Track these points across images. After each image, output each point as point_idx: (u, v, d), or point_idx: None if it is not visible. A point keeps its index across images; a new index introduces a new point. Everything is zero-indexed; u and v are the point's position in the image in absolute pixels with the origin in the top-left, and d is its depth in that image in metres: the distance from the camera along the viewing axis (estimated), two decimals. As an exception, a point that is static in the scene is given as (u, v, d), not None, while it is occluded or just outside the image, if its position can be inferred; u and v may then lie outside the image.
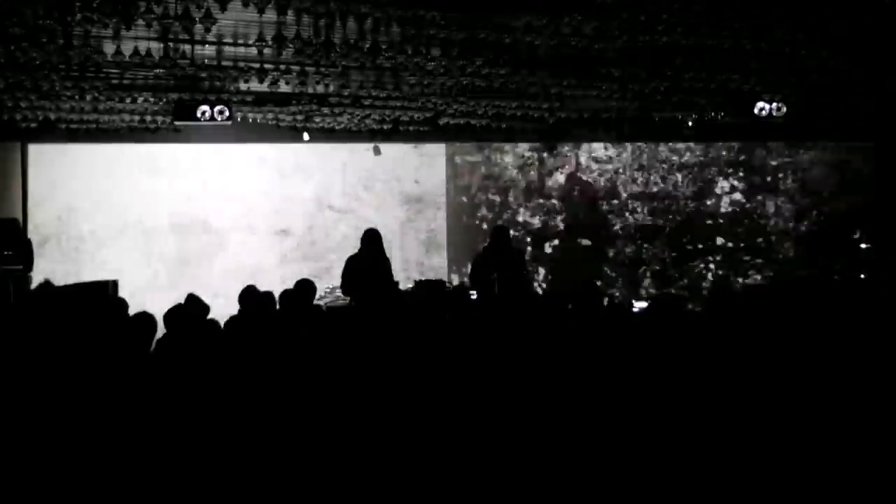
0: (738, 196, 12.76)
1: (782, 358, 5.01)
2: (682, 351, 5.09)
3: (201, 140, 11.65)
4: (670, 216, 12.72)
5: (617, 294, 12.19)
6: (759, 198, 12.70)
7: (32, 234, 11.49)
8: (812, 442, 4.29)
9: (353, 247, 8.79)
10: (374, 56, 8.13)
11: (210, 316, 6.01)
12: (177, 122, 9.72)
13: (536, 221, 12.70)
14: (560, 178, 12.75)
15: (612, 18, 7.22)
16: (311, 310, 6.54)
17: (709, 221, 12.69)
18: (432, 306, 6.49)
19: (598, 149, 12.69)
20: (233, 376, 4.73)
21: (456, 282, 10.81)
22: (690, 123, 11.17)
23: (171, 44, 7.78)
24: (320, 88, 9.49)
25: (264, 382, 4.68)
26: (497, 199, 12.78)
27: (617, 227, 12.67)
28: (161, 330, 5.39)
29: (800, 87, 9.37)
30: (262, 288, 6.44)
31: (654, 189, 12.74)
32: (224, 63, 8.51)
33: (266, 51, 7.96)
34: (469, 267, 8.91)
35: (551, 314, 5.99)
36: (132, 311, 5.71)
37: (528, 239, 12.59)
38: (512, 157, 12.84)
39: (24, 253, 10.13)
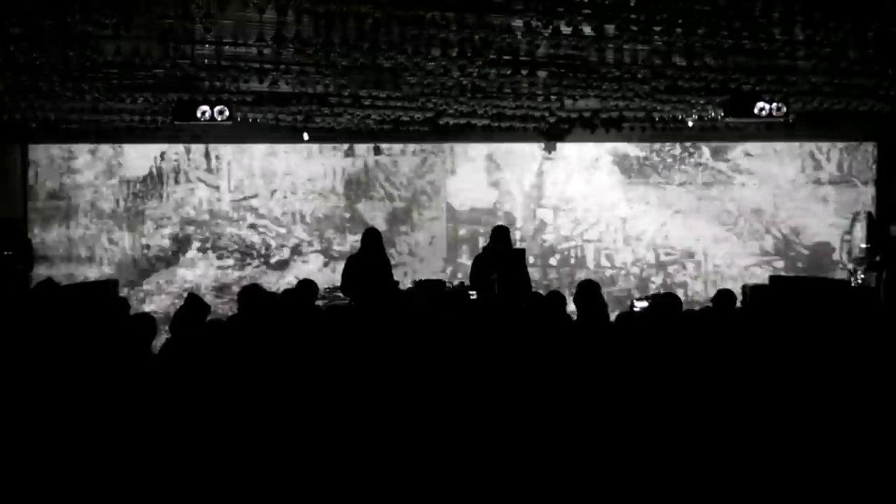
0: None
1: (782, 358, 5.01)
2: (682, 350, 5.09)
3: (201, 140, 11.66)
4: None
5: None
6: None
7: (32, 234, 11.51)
8: (813, 442, 4.29)
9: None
10: (374, 56, 8.13)
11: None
12: (177, 122, 9.72)
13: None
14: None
15: (611, 19, 7.22)
16: (312, 310, 6.55)
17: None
18: (432, 306, 6.50)
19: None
20: (232, 376, 4.73)
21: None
22: (691, 123, 11.17)
23: (171, 44, 7.78)
24: (320, 88, 9.49)
25: (264, 382, 4.68)
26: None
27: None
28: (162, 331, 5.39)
29: (800, 87, 9.37)
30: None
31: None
32: (224, 63, 8.51)
33: (266, 51, 7.96)
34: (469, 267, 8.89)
35: (551, 314, 5.98)
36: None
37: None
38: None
39: (24, 253, 10.14)
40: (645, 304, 8.98)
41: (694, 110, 10.66)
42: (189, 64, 8.30)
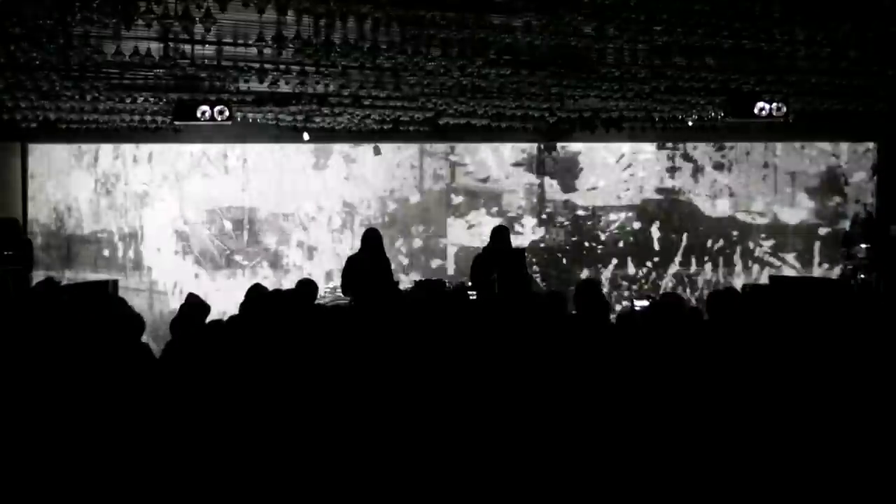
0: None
1: (782, 357, 5.01)
2: (683, 350, 5.09)
3: (201, 140, 11.67)
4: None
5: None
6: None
7: (32, 234, 11.51)
8: (813, 441, 4.29)
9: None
10: (374, 56, 8.13)
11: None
12: (177, 122, 9.73)
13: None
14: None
15: (612, 19, 7.22)
16: (312, 310, 6.54)
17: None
18: (432, 306, 6.49)
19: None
20: (232, 376, 4.73)
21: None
22: (691, 123, 11.18)
23: (171, 44, 7.78)
24: (320, 88, 9.50)
25: (264, 382, 4.68)
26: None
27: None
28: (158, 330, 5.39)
29: (800, 87, 9.38)
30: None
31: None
32: (224, 63, 8.52)
33: (266, 51, 7.96)
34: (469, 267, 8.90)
35: (552, 314, 5.98)
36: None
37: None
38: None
39: (24, 253, 10.15)
40: (645, 303, 8.98)
41: (694, 110, 10.67)
42: (189, 64, 8.30)
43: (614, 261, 12.23)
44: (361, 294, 8.05)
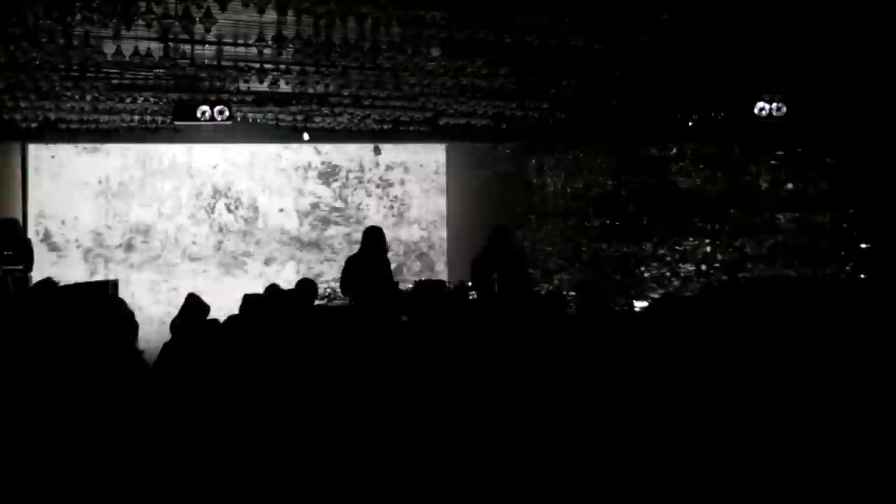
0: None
1: (782, 357, 5.01)
2: (683, 350, 5.09)
3: (201, 140, 11.66)
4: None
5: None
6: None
7: (32, 234, 11.50)
8: (813, 441, 4.29)
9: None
10: (374, 56, 8.14)
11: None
12: (177, 122, 9.73)
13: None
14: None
15: (611, 19, 7.23)
16: (312, 310, 6.55)
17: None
18: (432, 306, 6.50)
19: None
20: (231, 376, 4.73)
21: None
22: (691, 123, 11.18)
23: (171, 44, 7.79)
24: (320, 88, 9.50)
25: (263, 382, 4.68)
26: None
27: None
28: (158, 331, 5.40)
29: (800, 87, 9.38)
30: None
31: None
32: (224, 63, 8.52)
33: (266, 51, 7.97)
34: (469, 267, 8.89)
35: (552, 314, 5.99)
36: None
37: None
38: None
39: (24, 253, 10.14)
40: (644, 303, 8.99)
41: (693, 110, 10.69)
42: (189, 64, 8.30)
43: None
44: (361, 294, 8.04)
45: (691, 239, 12.24)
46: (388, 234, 8.81)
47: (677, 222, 12.19)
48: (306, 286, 6.87)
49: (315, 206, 12.13)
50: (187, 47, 7.88)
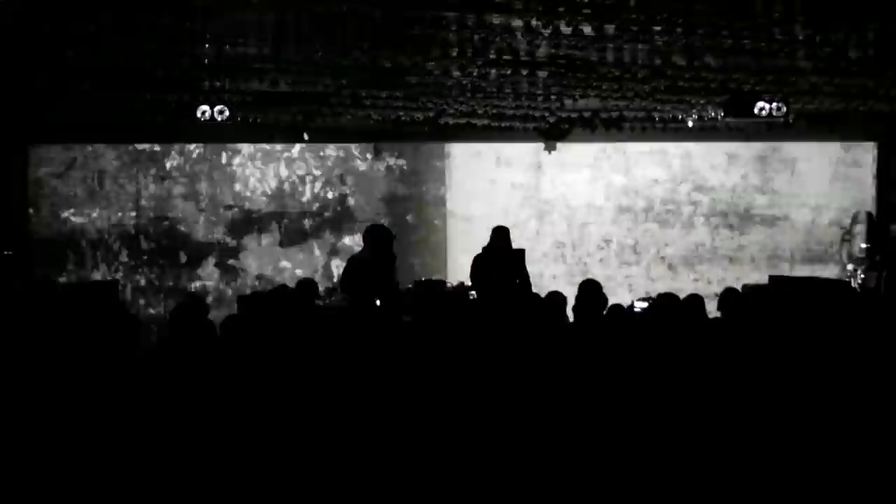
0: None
1: (782, 358, 5.01)
2: (683, 351, 5.09)
3: (201, 140, 11.66)
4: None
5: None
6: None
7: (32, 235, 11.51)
8: (813, 442, 4.29)
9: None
10: (374, 56, 8.14)
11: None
12: (177, 123, 9.72)
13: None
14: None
15: (611, 19, 7.23)
16: (312, 310, 6.55)
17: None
18: (432, 306, 6.50)
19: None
20: (231, 376, 4.73)
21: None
22: (691, 123, 11.17)
23: (171, 44, 7.78)
24: (320, 88, 9.50)
25: (262, 382, 4.68)
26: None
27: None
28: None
29: (800, 87, 9.38)
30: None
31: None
32: (224, 63, 8.52)
33: (266, 51, 7.97)
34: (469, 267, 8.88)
35: (552, 314, 5.98)
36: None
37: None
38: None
39: (24, 253, 10.14)
40: (645, 304, 8.98)
41: (694, 110, 10.67)
42: (189, 64, 8.30)
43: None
44: (361, 294, 8.02)
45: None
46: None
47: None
48: (306, 286, 6.87)
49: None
50: (187, 47, 7.88)
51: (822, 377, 4.82)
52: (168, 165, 11.97)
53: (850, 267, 11.39)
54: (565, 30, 7.45)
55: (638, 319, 6.31)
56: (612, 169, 12.17)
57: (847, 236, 11.62)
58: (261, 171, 12.04)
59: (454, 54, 8.11)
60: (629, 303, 9.39)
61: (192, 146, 11.86)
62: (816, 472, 4.13)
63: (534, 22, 7.26)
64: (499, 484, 4.13)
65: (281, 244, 12.07)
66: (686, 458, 4.21)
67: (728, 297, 6.44)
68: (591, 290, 6.12)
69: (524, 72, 8.80)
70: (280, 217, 12.01)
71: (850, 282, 10.89)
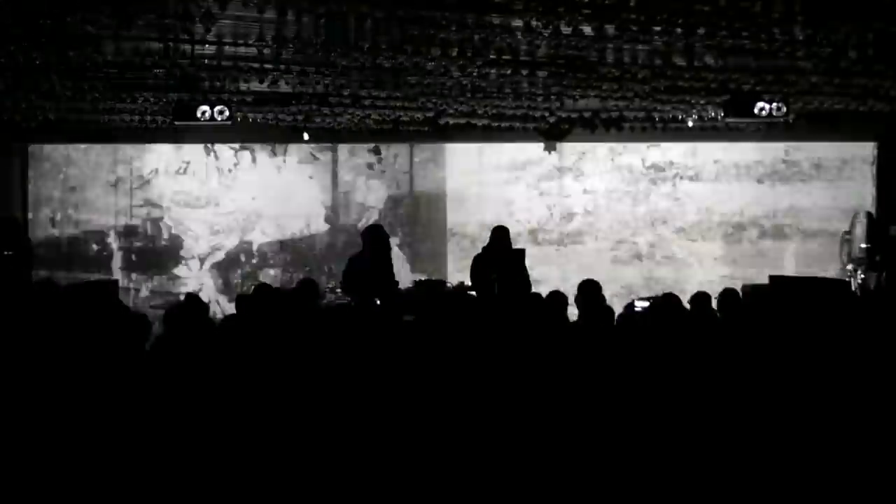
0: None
1: (782, 358, 5.01)
2: (683, 351, 5.09)
3: (201, 140, 11.67)
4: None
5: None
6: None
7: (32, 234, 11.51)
8: (813, 442, 4.29)
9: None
10: (374, 56, 8.13)
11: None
12: (177, 122, 9.72)
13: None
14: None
15: (611, 19, 7.22)
16: (314, 310, 6.54)
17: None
18: (432, 306, 6.50)
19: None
20: (230, 376, 4.73)
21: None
22: (691, 123, 11.17)
23: (171, 44, 7.78)
24: (320, 88, 9.49)
25: (262, 382, 4.68)
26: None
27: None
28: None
29: (800, 87, 9.37)
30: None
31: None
32: (224, 63, 8.51)
33: (266, 51, 7.96)
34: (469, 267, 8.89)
35: (552, 314, 5.98)
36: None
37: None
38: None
39: (24, 253, 10.13)
40: (646, 304, 8.98)
41: (694, 110, 10.67)
42: (189, 64, 8.30)
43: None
44: (362, 294, 8.03)
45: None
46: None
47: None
48: (307, 286, 6.86)
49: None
50: (187, 47, 7.87)
51: (822, 377, 4.82)
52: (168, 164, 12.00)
53: (849, 267, 11.39)
54: (565, 30, 7.43)
55: (638, 319, 6.31)
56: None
57: (847, 236, 11.62)
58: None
59: (454, 54, 8.10)
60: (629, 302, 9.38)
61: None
62: (816, 471, 4.14)
63: (534, 22, 7.23)
64: (500, 483, 4.13)
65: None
66: (686, 458, 4.21)
67: (728, 297, 6.44)
68: (590, 290, 6.12)
69: (524, 72, 8.79)
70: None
71: (850, 282, 10.88)
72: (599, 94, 9.68)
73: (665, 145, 12.17)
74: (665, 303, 6.01)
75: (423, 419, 4.42)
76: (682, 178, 12.33)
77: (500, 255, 8.41)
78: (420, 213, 12.20)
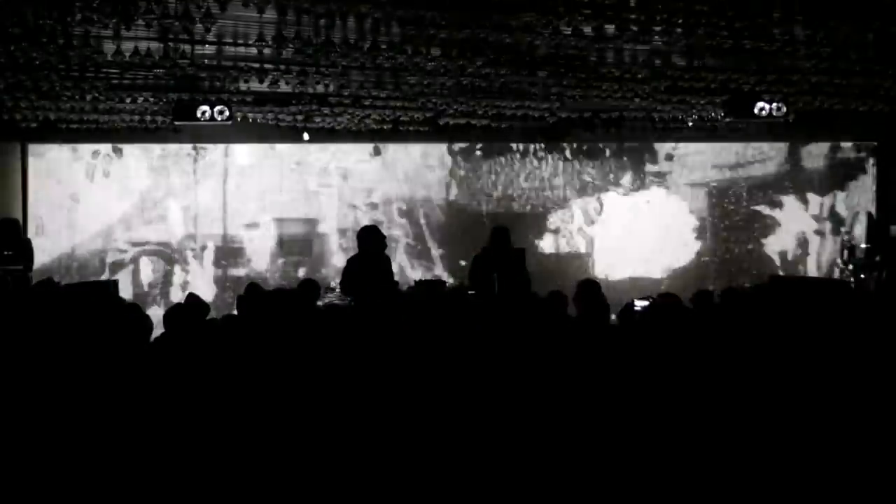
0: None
1: (782, 358, 5.01)
2: (683, 351, 5.09)
3: (201, 140, 11.66)
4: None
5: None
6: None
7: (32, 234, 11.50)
8: (813, 442, 4.29)
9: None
10: (374, 56, 8.14)
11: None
12: (177, 122, 9.73)
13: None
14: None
15: (611, 19, 7.23)
16: (314, 310, 6.55)
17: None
18: (432, 306, 6.49)
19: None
20: (230, 376, 4.73)
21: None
22: (691, 123, 11.18)
23: (171, 44, 7.79)
24: (320, 88, 9.50)
25: (262, 382, 4.68)
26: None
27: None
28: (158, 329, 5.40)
29: (800, 87, 9.38)
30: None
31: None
32: (224, 63, 8.52)
33: (266, 51, 7.97)
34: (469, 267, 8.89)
35: (552, 314, 5.98)
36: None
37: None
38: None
39: (24, 253, 10.14)
40: (645, 303, 8.97)
41: (694, 110, 10.67)
42: (189, 64, 8.30)
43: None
44: (361, 294, 8.03)
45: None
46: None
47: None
48: (307, 286, 6.87)
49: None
50: (187, 47, 7.88)
51: (822, 377, 4.81)
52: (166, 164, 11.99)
53: (850, 267, 11.40)
54: (565, 30, 7.44)
55: (638, 319, 6.30)
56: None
57: (847, 236, 11.62)
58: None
59: (454, 54, 8.10)
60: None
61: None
62: (815, 471, 4.13)
63: (534, 22, 7.25)
64: (500, 483, 4.12)
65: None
66: (686, 458, 4.20)
67: (727, 297, 6.44)
68: (590, 290, 6.12)
69: (524, 72, 8.80)
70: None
71: (850, 282, 10.89)
72: (599, 94, 9.69)
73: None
74: (665, 302, 6.01)
75: (422, 419, 4.42)
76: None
77: (500, 255, 8.42)
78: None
